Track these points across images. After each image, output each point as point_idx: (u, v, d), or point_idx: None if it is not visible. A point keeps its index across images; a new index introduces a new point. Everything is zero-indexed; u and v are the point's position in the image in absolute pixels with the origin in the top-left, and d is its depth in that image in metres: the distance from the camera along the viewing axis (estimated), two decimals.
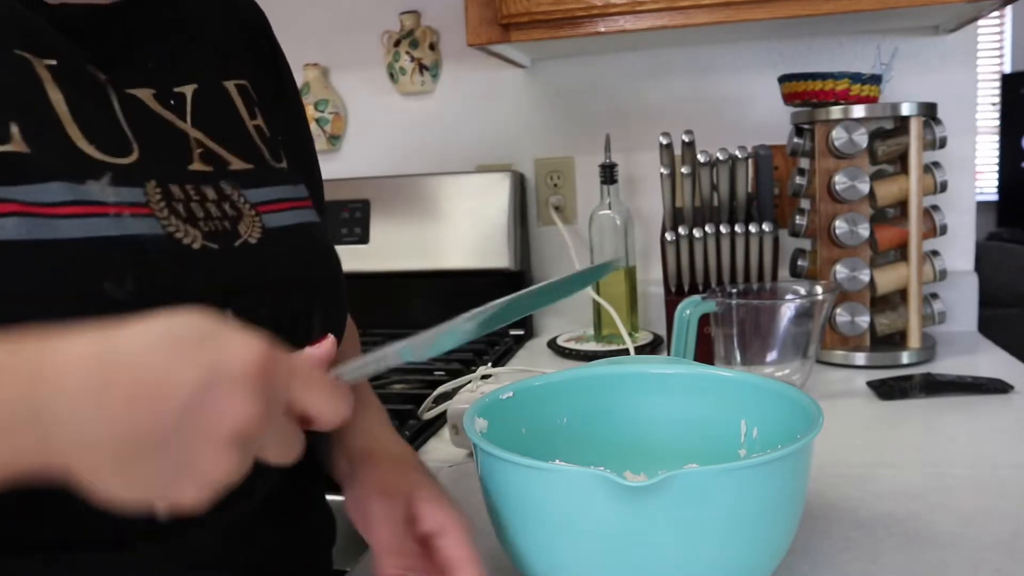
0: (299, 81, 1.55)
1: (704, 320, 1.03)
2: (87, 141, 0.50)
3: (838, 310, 1.15)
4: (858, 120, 1.12)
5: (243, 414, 0.36)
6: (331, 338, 0.48)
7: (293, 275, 0.59)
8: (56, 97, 0.49)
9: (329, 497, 0.87)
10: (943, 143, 1.16)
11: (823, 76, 1.15)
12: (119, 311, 0.44)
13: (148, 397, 0.35)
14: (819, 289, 1.02)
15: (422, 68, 1.49)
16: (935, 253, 1.20)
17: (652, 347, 1.31)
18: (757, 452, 0.63)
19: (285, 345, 0.55)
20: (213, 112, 0.60)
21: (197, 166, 0.56)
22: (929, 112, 1.14)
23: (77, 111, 0.50)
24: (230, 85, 0.62)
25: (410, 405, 1.02)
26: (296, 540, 0.65)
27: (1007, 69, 3.73)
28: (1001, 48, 3.78)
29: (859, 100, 1.14)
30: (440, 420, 1.01)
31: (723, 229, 1.17)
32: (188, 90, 0.58)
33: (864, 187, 1.12)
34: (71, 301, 0.45)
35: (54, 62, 0.50)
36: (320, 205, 0.72)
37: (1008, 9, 3.52)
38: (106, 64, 0.54)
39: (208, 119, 0.59)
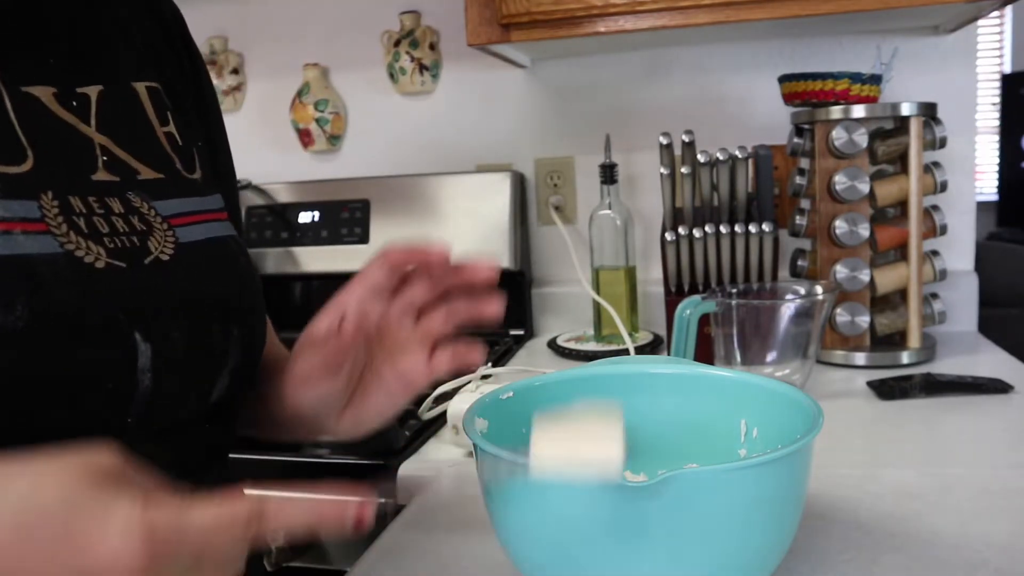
0: (299, 81, 1.55)
1: (704, 320, 1.03)
2: None
3: (838, 310, 1.15)
4: (858, 120, 1.12)
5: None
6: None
7: (209, 294, 0.54)
8: None
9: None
10: (943, 143, 1.16)
11: (823, 76, 1.15)
12: (11, 340, 0.42)
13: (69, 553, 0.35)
14: (819, 289, 1.02)
15: (422, 68, 1.49)
16: (935, 253, 1.20)
17: (652, 347, 1.31)
18: (757, 452, 0.63)
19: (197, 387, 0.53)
20: (120, 116, 0.54)
21: (102, 175, 0.51)
22: (929, 112, 1.14)
23: None
24: (140, 87, 0.57)
25: (410, 405, 1.02)
26: None
27: (1007, 69, 3.73)
28: (1001, 48, 3.78)
29: (859, 100, 1.14)
30: (440, 420, 1.01)
31: (723, 229, 1.17)
32: (93, 91, 0.53)
33: (864, 187, 1.12)
34: None
35: None
36: (236, 218, 0.67)
37: (1008, 9, 3.52)
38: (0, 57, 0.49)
39: (115, 124, 0.53)
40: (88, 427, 0.46)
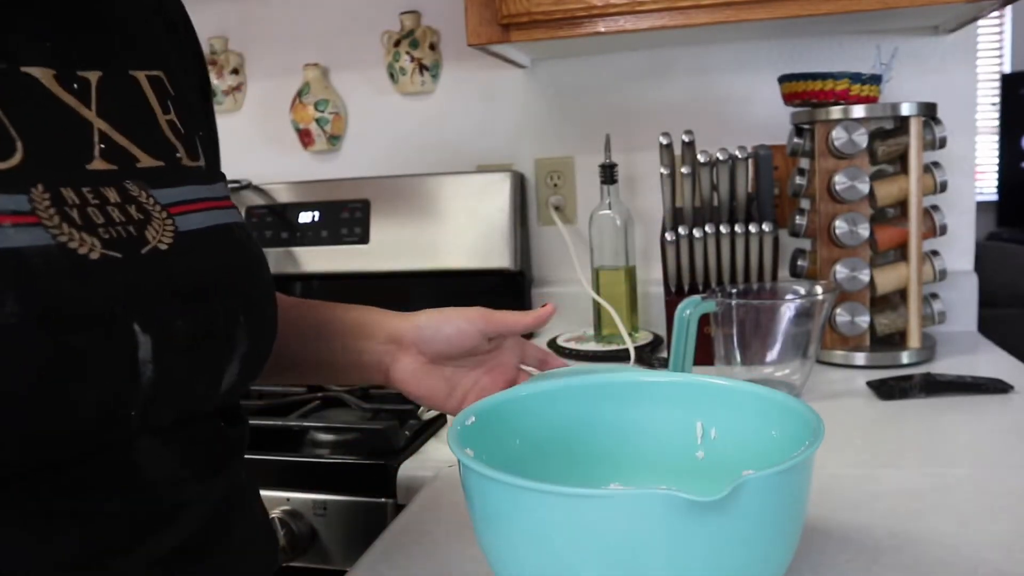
0: (299, 81, 1.55)
1: (704, 320, 1.03)
2: None
3: (838, 310, 1.15)
4: (858, 120, 1.12)
5: None
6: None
7: (212, 283, 0.53)
8: None
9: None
10: (943, 143, 1.16)
11: (823, 76, 1.15)
12: (4, 335, 0.41)
13: None
14: (819, 289, 1.02)
15: (422, 68, 1.49)
16: (935, 253, 1.20)
17: (652, 347, 1.31)
18: (717, 453, 0.62)
19: (206, 362, 0.53)
20: (121, 102, 0.53)
21: (98, 164, 0.50)
22: (929, 112, 1.14)
23: None
24: (140, 75, 0.56)
25: (410, 405, 1.02)
26: (233, 569, 0.58)
27: (1007, 69, 3.72)
28: (1001, 48, 3.77)
29: (859, 100, 1.14)
30: (440, 420, 1.01)
31: (723, 229, 1.17)
32: (93, 76, 0.51)
33: (864, 187, 1.12)
34: None
35: None
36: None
37: (1008, 9, 3.52)
38: None
39: (115, 109, 0.52)
40: (89, 421, 0.46)
